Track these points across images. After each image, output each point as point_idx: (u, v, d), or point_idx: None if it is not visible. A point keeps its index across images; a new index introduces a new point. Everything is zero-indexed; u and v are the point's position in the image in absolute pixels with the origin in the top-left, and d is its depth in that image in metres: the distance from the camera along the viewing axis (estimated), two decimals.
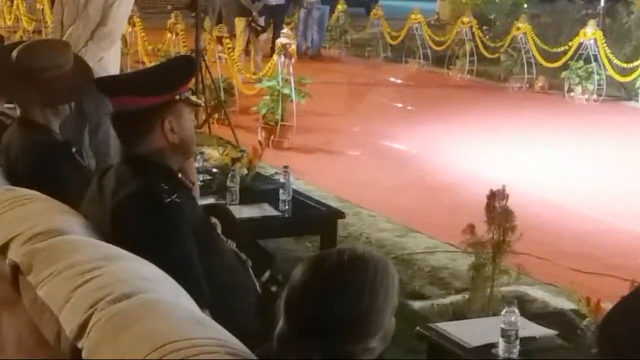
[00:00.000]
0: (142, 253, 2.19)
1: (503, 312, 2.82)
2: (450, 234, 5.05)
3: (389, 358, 1.91)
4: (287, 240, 5.39)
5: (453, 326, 3.16)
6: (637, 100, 10.93)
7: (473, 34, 13.57)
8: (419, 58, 14.57)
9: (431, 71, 14.22)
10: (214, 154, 5.34)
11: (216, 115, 8.95)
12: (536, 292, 4.73)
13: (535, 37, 12.45)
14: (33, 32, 13.71)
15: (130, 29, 11.08)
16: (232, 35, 12.03)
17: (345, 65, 14.93)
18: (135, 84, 2.61)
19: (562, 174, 7.61)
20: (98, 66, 5.27)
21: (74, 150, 3.46)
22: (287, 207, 4.39)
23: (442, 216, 6.14)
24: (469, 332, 3.04)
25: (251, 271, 2.73)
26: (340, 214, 4.73)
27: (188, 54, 8.27)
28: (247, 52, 12.79)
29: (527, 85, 12.46)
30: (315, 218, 4.61)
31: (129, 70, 8.46)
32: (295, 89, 8.37)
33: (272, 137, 8.25)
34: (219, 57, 10.15)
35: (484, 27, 14.18)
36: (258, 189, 4.66)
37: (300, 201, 4.57)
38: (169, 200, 2.45)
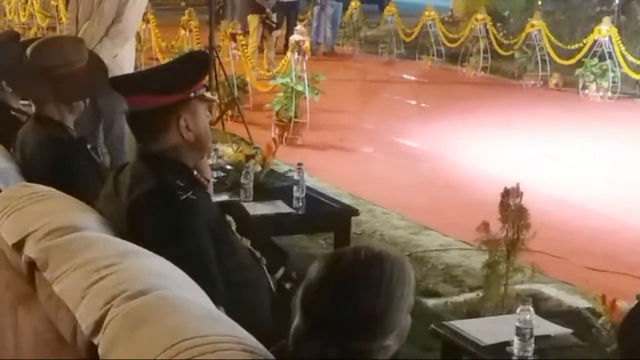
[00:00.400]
0: (158, 249, 2.19)
1: (518, 310, 2.81)
2: (464, 231, 5.04)
3: (403, 356, 1.90)
4: (301, 237, 5.39)
5: (467, 324, 3.15)
6: None
7: (487, 30, 13.52)
8: (433, 55, 14.53)
9: (445, 68, 14.19)
10: (227, 151, 5.36)
11: (230, 112, 8.96)
12: (551, 291, 4.72)
13: (549, 34, 12.40)
14: (47, 28, 13.76)
15: (144, 26, 11.11)
16: (246, 32, 12.04)
17: (359, 62, 14.91)
18: (150, 82, 2.61)
19: (576, 172, 7.58)
20: (113, 63, 5.29)
21: (89, 146, 3.47)
22: (300, 204, 4.38)
23: (456, 214, 6.13)
24: (483, 330, 3.03)
25: (265, 269, 2.73)
26: (354, 212, 4.73)
27: (202, 50, 8.27)
28: (260, 49, 12.79)
29: (541, 82, 12.41)
30: (329, 215, 4.60)
31: (143, 67, 8.48)
32: (308, 86, 8.37)
33: (285, 134, 8.26)
34: (233, 54, 10.16)
35: (498, 24, 14.12)
36: (272, 186, 4.66)
37: (314, 198, 4.57)
38: (184, 197, 2.45)
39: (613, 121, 9.97)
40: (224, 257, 2.50)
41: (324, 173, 7.07)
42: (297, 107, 8.32)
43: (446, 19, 16.93)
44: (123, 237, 2.35)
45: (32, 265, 2.22)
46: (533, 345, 2.81)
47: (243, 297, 2.50)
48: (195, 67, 2.69)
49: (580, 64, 11.68)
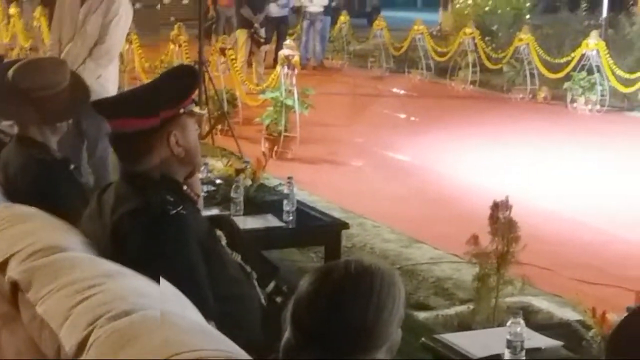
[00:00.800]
0: (146, 267, 2.18)
1: (508, 323, 2.82)
2: (455, 244, 5.04)
3: None
4: (292, 251, 5.39)
5: (458, 337, 3.15)
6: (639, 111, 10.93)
7: (475, 44, 13.59)
8: (422, 69, 14.59)
9: (434, 82, 14.24)
10: (217, 165, 5.34)
11: (220, 126, 8.96)
12: (541, 303, 4.72)
13: (537, 48, 12.46)
14: (30, 49, 13.73)
15: (127, 46, 11.10)
16: (235, 47, 12.08)
17: (348, 76, 14.94)
18: (132, 106, 2.57)
19: (565, 184, 7.60)
20: (96, 84, 5.28)
21: (72, 167, 3.46)
22: (291, 218, 4.38)
23: (446, 226, 6.14)
24: (474, 343, 3.03)
25: (256, 283, 2.73)
26: (344, 225, 4.73)
27: (190, 64, 8.27)
28: (249, 63, 12.82)
29: (530, 95, 12.47)
30: (319, 229, 4.60)
31: (126, 88, 8.47)
32: (298, 100, 8.39)
33: (275, 148, 8.26)
34: (222, 69, 10.18)
35: (487, 38, 14.20)
36: (262, 200, 4.66)
37: (304, 212, 4.57)
38: (174, 212, 2.44)
39: (602, 134, 10.02)
40: (214, 271, 2.49)
41: (315, 187, 7.08)
42: (287, 121, 8.34)
43: (435, 33, 17.01)
44: (107, 258, 2.33)
45: (15, 286, 2.20)
46: (524, 357, 2.81)
47: (234, 312, 2.49)
48: (184, 82, 2.67)
49: (568, 77, 11.74)
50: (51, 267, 2.18)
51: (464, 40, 13.70)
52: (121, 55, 9.42)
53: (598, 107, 11.43)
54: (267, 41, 12.83)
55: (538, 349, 2.97)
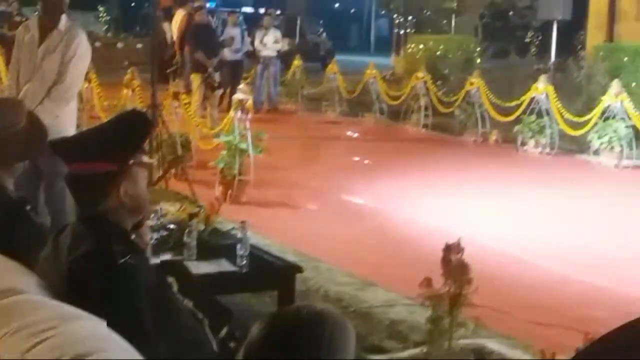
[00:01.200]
0: (96, 313, 2.16)
1: None
2: (409, 287, 5.05)
3: None
4: (246, 295, 5.36)
5: None
6: (589, 153, 11.13)
7: (427, 88, 13.79)
8: (375, 112, 14.74)
9: (387, 125, 14.38)
10: (170, 210, 5.31)
11: (173, 170, 8.92)
12: (493, 345, 4.74)
13: (488, 92, 12.68)
14: None
15: (86, 85, 11.07)
16: (188, 91, 12.10)
17: (302, 119, 15.04)
18: (88, 150, 2.59)
19: (518, 226, 7.70)
20: (54, 124, 5.23)
21: (28, 207, 3.42)
22: (244, 262, 4.36)
23: (400, 269, 6.16)
24: None
25: (208, 329, 2.71)
26: (298, 269, 4.72)
27: (142, 111, 8.25)
28: (203, 107, 12.84)
29: (482, 138, 12.65)
30: (273, 273, 4.59)
31: (85, 127, 8.42)
32: (252, 143, 8.40)
33: (229, 192, 8.25)
34: (176, 113, 10.16)
35: (438, 82, 14.42)
36: (215, 244, 4.64)
37: (257, 256, 4.55)
38: (122, 261, 2.44)
39: (552, 176, 10.18)
40: (164, 320, 2.47)
41: (269, 230, 7.05)
42: (241, 164, 8.34)
43: (388, 77, 17.24)
44: (62, 300, 2.31)
45: None
46: None
47: (184, 359, 2.47)
48: (134, 135, 2.68)
49: (518, 120, 11.95)
50: (6, 310, 2.15)
51: (416, 84, 13.90)
52: (80, 94, 9.38)
53: (548, 149, 11.64)
54: (222, 85, 12.87)
55: None
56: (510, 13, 21.21)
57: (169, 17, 15.86)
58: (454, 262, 3.81)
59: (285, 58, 17.16)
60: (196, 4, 14.35)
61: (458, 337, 4.08)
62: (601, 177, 10.31)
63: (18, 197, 3.46)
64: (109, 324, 2.08)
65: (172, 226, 4.80)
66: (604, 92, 11.11)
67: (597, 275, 6.15)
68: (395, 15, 27.47)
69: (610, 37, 14.97)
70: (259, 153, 8.51)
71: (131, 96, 10.43)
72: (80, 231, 2.54)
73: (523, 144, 11.87)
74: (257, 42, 15.76)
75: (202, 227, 4.64)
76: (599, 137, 10.86)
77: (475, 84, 12.79)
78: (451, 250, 3.82)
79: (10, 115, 3.52)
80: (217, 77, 12.57)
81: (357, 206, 8.43)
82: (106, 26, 30.84)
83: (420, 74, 13.95)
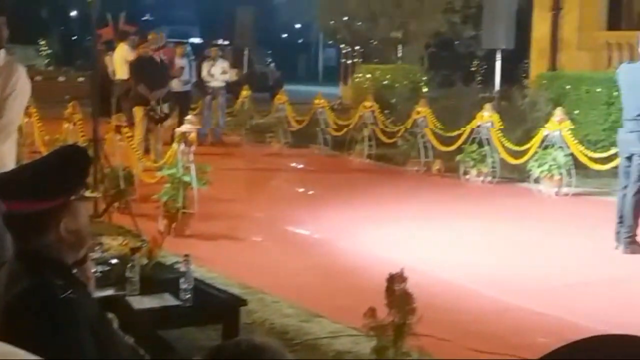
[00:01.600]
0: (36, 350, 2.13)
1: None
2: (354, 317, 5.06)
3: None
4: (191, 329, 5.31)
5: None
6: (529, 182, 11.32)
7: (375, 117, 13.92)
8: (321, 143, 14.81)
9: (332, 155, 14.45)
10: (113, 244, 5.26)
11: (117, 204, 8.84)
12: None
13: (435, 120, 12.84)
14: None
15: (26, 120, 10.94)
16: (131, 124, 12.03)
17: (248, 150, 15.04)
18: (27, 188, 2.57)
19: (461, 255, 7.77)
20: None
21: None
22: (188, 296, 4.34)
23: (345, 300, 6.17)
24: None
25: None
26: (243, 302, 4.70)
27: (80, 146, 8.17)
28: (146, 140, 12.76)
29: (425, 168, 12.78)
30: (217, 306, 4.57)
31: (25, 162, 8.30)
32: (196, 176, 8.37)
33: (173, 225, 8.19)
34: (119, 146, 10.09)
35: (386, 111, 14.57)
36: (159, 278, 4.61)
37: (201, 290, 4.53)
38: (63, 296, 2.41)
39: (493, 205, 10.32)
40: (104, 356, 2.44)
41: (214, 263, 7.02)
42: (185, 197, 8.29)
43: (336, 106, 17.36)
44: (0, 338, 2.27)
45: None
46: None
47: None
48: (74, 171, 2.66)
49: (461, 150, 12.11)
50: None
51: (364, 113, 14.02)
52: (20, 129, 9.26)
53: (490, 178, 11.81)
54: (166, 117, 12.82)
55: None
56: (456, 42, 21.60)
57: (111, 50, 15.80)
58: (397, 292, 3.84)
59: (233, 88, 17.20)
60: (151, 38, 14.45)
61: None
62: (541, 205, 10.48)
63: None
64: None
65: (114, 261, 4.76)
66: (547, 120, 11.32)
67: (537, 303, 6.24)
68: (342, 45, 27.75)
69: (553, 65, 15.34)
70: (204, 186, 8.47)
71: (72, 130, 10.33)
72: (18, 268, 2.50)
73: (465, 173, 12.03)
74: (204, 73, 15.76)
75: (145, 261, 4.61)
76: (539, 166, 11.05)
77: (422, 112, 12.94)
78: (395, 280, 3.85)
79: None
80: (165, 108, 12.51)
81: (302, 237, 8.43)
82: (47, 60, 30.60)
83: (367, 103, 14.08)
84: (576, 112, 12.20)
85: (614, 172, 9.33)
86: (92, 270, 2.91)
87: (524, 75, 16.13)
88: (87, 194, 2.72)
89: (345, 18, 23.21)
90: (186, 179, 8.30)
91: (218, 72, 15.78)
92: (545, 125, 11.16)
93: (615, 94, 10.01)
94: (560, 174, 10.91)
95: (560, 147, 10.96)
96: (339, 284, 6.76)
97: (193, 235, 8.18)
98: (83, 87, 21.34)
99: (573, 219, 9.56)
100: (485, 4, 15.76)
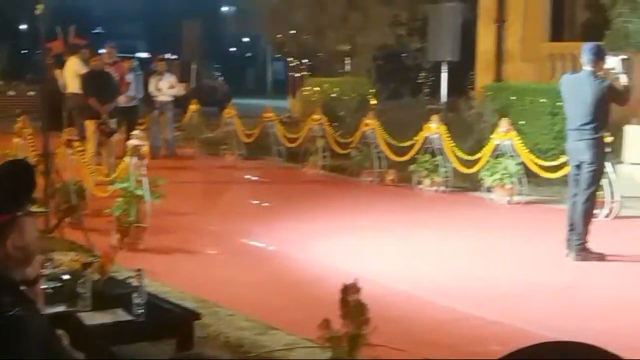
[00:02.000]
0: None
1: None
2: (310, 329, 5.06)
3: None
4: (144, 344, 5.26)
5: None
6: (482, 191, 11.43)
7: (324, 130, 13.95)
8: (273, 155, 14.81)
9: (286, 167, 14.46)
10: (64, 260, 5.20)
11: (68, 219, 8.73)
12: None
13: (383, 132, 12.91)
14: None
15: None
16: (82, 138, 11.90)
17: (200, 164, 14.98)
18: None
19: (415, 264, 7.81)
20: None
21: None
22: (141, 311, 4.30)
23: (301, 312, 6.16)
24: None
25: None
26: (197, 315, 4.68)
27: (26, 161, 8.07)
28: (99, 154, 12.65)
29: (379, 178, 12.84)
30: (171, 321, 4.54)
31: None
32: (149, 189, 8.31)
33: (126, 239, 8.11)
34: (70, 160, 9.98)
35: (335, 124, 14.61)
36: (111, 293, 4.56)
37: (155, 304, 4.50)
38: (10, 313, 2.37)
39: (447, 214, 10.40)
40: None
41: (167, 277, 6.96)
42: (138, 211, 8.22)
43: (285, 119, 17.37)
44: None
45: None
46: None
47: None
48: (20, 188, 2.62)
49: (413, 160, 12.19)
50: None
51: (313, 126, 14.04)
52: None
53: (443, 188, 11.90)
54: (115, 131, 12.73)
55: None
56: (403, 55, 21.75)
57: (61, 64, 15.63)
58: (351, 303, 3.85)
59: (181, 103, 17.12)
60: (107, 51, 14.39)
61: None
62: (494, 214, 10.59)
63: None
64: None
65: (65, 277, 4.70)
66: (493, 131, 11.46)
67: (491, 311, 6.29)
68: (290, 59, 27.78)
69: (498, 77, 15.51)
70: (157, 199, 8.42)
71: (23, 145, 10.20)
72: None
73: (418, 182, 12.11)
74: (152, 88, 15.66)
75: (97, 276, 4.56)
76: (491, 175, 11.17)
77: (371, 124, 13.01)
78: (348, 291, 3.86)
79: None
80: (112, 123, 12.43)
81: (257, 249, 8.41)
82: None
83: (316, 116, 14.11)
84: (521, 122, 12.34)
85: (564, 180, 9.45)
86: (43, 287, 2.87)
87: (470, 86, 16.31)
88: (34, 209, 2.68)
89: (293, 31, 23.25)
90: (139, 192, 8.24)
91: (165, 87, 15.69)
92: (491, 136, 11.29)
93: (559, 104, 10.14)
94: (512, 182, 11.04)
95: (512, 156, 11.10)
96: (294, 295, 6.76)
97: (146, 249, 8.11)
98: (33, 101, 21.13)
99: (525, 227, 9.67)
100: (430, 16, 15.94)
